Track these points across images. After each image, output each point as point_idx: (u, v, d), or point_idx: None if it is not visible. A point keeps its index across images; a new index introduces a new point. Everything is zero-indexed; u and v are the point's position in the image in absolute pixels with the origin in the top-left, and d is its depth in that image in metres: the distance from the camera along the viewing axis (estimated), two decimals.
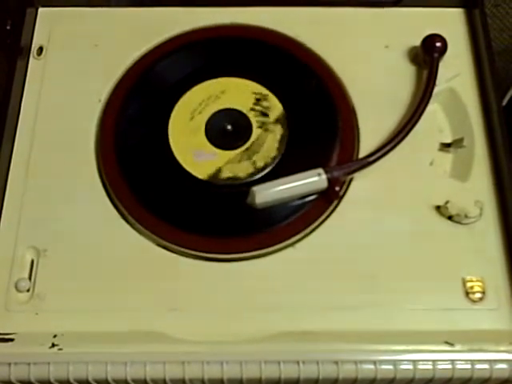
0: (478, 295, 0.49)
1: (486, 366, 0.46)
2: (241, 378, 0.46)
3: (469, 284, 0.50)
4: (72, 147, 0.56)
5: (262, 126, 0.55)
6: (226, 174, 0.53)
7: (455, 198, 0.52)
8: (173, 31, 0.61)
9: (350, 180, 0.54)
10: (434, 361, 0.46)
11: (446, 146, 0.56)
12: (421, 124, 0.55)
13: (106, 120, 0.57)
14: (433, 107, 0.57)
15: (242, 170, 0.54)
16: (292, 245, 0.52)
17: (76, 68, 0.59)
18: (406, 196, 0.53)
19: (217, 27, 0.62)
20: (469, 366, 0.46)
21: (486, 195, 0.53)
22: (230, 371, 0.46)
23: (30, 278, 0.50)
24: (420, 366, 0.46)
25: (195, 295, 0.50)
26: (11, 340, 0.48)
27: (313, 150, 0.55)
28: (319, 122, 0.56)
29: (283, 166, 0.54)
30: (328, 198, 0.52)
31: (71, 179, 0.54)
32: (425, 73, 0.58)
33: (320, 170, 0.52)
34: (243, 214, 0.52)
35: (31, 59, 0.60)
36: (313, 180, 0.51)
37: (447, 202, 0.52)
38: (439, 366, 0.46)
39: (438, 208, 0.52)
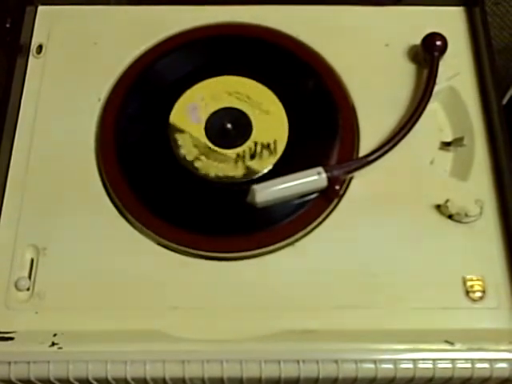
0: (478, 294, 0.49)
1: (486, 365, 0.46)
2: (241, 377, 0.46)
3: (469, 283, 0.50)
4: (72, 146, 0.55)
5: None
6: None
7: (455, 196, 0.52)
8: (172, 29, 0.61)
9: (350, 179, 0.54)
10: (434, 360, 0.46)
11: (446, 145, 0.56)
12: (421, 123, 0.55)
13: (105, 118, 0.57)
14: (433, 106, 0.57)
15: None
16: (292, 243, 0.51)
17: (75, 66, 0.59)
18: (406, 195, 0.53)
19: (217, 25, 0.61)
20: (469, 365, 0.46)
21: (487, 194, 0.53)
22: (230, 370, 0.46)
23: (29, 277, 0.50)
24: (420, 365, 0.46)
25: (195, 294, 0.50)
26: (11, 339, 0.48)
27: (313, 148, 0.55)
28: (319, 120, 0.56)
29: (283, 165, 0.54)
30: (328, 197, 0.52)
31: (71, 178, 0.54)
32: (425, 71, 0.58)
33: (320, 169, 0.52)
34: (243, 212, 0.52)
35: (31, 57, 0.60)
36: (313, 179, 0.51)
37: (447, 201, 0.52)
38: (439, 365, 0.46)
39: (438, 207, 0.52)
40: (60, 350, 0.47)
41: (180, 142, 0.55)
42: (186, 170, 0.54)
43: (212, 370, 0.46)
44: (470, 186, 0.53)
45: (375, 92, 0.57)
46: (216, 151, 0.54)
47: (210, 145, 0.55)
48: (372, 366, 0.46)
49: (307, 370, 0.46)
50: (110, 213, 0.53)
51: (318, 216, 0.52)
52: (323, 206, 0.52)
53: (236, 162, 0.54)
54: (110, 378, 0.46)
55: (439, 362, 0.46)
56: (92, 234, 0.52)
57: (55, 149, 0.55)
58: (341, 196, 0.53)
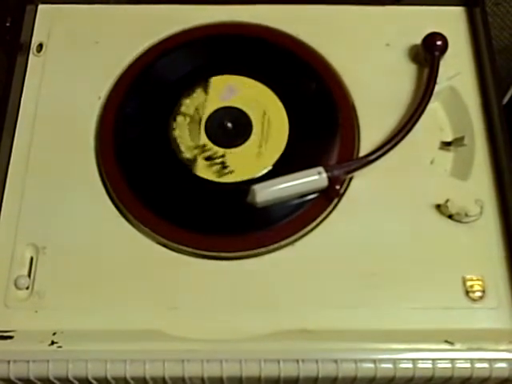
0: (478, 294, 0.49)
1: (485, 364, 0.46)
2: (240, 377, 0.46)
3: (469, 283, 0.50)
4: (72, 144, 0.55)
5: None
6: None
7: (455, 196, 0.52)
8: (173, 29, 0.61)
9: (350, 178, 0.54)
10: (433, 359, 0.46)
11: (446, 145, 0.56)
12: (421, 123, 0.55)
13: (105, 117, 0.57)
14: (433, 106, 0.57)
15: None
16: (292, 243, 0.51)
17: (76, 65, 0.59)
18: (407, 194, 0.53)
19: (217, 25, 0.61)
20: (468, 365, 0.46)
21: (487, 194, 0.53)
22: (230, 369, 0.46)
23: (29, 276, 0.50)
24: (420, 365, 0.46)
25: (195, 293, 0.50)
26: (10, 337, 0.48)
27: (313, 148, 0.55)
28: (319, 120, 0.56)
29: (283, 165, 0.54)
30: (328, 197, 0.52)
31: (71, 176, 0.54)
32: (425, 71, 0.58)
33: (320, 169, 0.52)
34: (243, 212, 0.52)
35: (31, 56, 0.60)
36: (313, 178, 0.51)
37: (447, 201, 0.52)
38: (439, 365, 0.46)
39: (438, 207, 0.52)
40: (59, 349, 0.47)
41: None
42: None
43: (211, 370, 0.46)
44: (470, 185, 0.53)
45: (375, 92, 0.57)
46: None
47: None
48: (371, 365, 0.46)
49: (307, 370, 0.46)
50: (109, 212, 0.53)
51: (318, 216, 0.52)
52: (323, 206, 0.52)
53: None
54: (109, 377, 0.46)
55: (439, 361, 0.46)
56: (91, 233, 0.52)
57: (55, 147, 0.55)
58: (341, 196, 0.53)
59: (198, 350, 0.46)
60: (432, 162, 0.55)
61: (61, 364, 0.46)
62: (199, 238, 0.51)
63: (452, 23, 0.61)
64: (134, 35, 0.60)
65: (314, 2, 0.62)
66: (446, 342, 0.47)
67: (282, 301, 0.49)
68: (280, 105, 0.56)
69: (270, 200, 0.51)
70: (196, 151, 0.54)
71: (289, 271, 0.50)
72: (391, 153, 0.53)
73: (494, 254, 0.51)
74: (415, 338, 0.47)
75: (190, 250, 0.51)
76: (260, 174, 0.53)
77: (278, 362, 0.46)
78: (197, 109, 0.56)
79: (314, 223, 0.52)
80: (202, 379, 0.46)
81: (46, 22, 0.61)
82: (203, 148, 0.55)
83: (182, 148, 0.54)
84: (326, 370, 0.46)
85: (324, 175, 0.51)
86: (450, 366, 0.46)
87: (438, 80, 0.56)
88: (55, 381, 0.46)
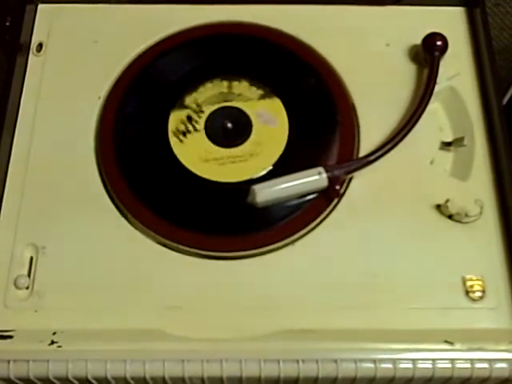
0: (478, 294, 0.49)
1: (485, 365, 0.46)
2: (240, 377, 0.46)
3: (469, 283, 0.50)
4: (71, 144, 0.55)
5: None
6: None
7: (455, 196, 0.52)
8: (173, 28, 0.61)
9: (350, 179, 0.54)
10: (433, 360, 0.46)
11: (446, 145, 0.56)
12: (421, 123, 0.55)
13: (105, 117, 0.56)
14: (433, 106, 0.57)
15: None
16: (292, 243, 0.51)
17: (75, 64, 0.59)
18: (406, 195, 0.53)
19: (217, 25, 0.61)
20: (468, 365, 0.46)
21: (487, 194, 0.53)
22: (230, 369, 0.46)
23: (29, 275, 0.50)
24: (419, 365, 0.46)
25: (195, 293, 0.50)
26: (10, 337, 0.48)
27: (313, 148, 0.55)
28: (319, 120, 0.56)
29: (283, 165, 0.54)
30: (328, 197, 0.52)
31: (70, 177, 0.54)
32: (425, 71, 0.58)
33: (320, 169, 0.52)
34: (243, 212, 0.52)
35: (31, 55, 0.60)
36: (313, 179, 0.51)
37: (447, 201, 0.52)
38: (439, 365, 0.46)
39: (438, 207, 0.52)
40: (59, 349, 0.47)
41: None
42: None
43: (211, 370, 0.46)
44: (470, 185, 0.53)
45: (376, 92, 0.57)
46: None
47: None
48: (371, 365, 0.46)
49: (307, 370, 0.46)
50: (109, 211, 0.53)
51: (318, 216, 0.52)
52: (323, 206, 0.52)
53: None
54: (109, 376, 0.46)
55: (439, 361, 0.46)
56: (91, 233, 0.52)
57: (55, 147, 0.55)
58: (341, 196, 0.53)
59: (198, 349, 0.46)
60: (432, 163, 0.55)
61: (61, 364, 0.46)
62: (199, 237, 0.51)
63: (452, 23, 0.61)
64: (134, 35, 0.60)
65: (313, 1, 0.62)
66: (446, 342, 0.47)
67: (281, 301, 0.49)
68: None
69: (270, 200, 0.51)
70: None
71: (289, 271, 0.50)
72: (391, 153, 0.53)
73: (494, 254, 0.51)
74: (415, 338, 0.47)
75: (190, 249, 0.51)
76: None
77: (278, 361, 0.46)
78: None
79: (314, 223, 0.52)
80: (202, 379, 0.46)
81: (45, 22, 0.61)
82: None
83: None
84: (326, 369, 0.46)
85: (324, 175, 0.51)
86: (449, 366, 0.46)
87: (438, 80, 0.56)
88: (55, 380, 0.46)
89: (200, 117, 0.56)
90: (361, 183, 0.54)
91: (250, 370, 0.46)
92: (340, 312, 0.49)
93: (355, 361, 0.46)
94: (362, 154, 0.55)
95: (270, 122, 0.52)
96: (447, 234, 0.52)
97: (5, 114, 0.55)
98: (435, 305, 0.49)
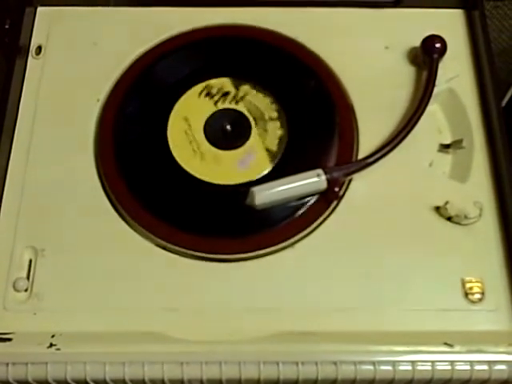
0: (478, 296, 0.49)
1: (485, 367, 0.46)
2: (239, 379, 0.46)
3: (468, 285, 0.50)
4: (71, 147, 0.55)
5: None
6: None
7: (455, 198, 0.52)
8: (172, 31, 0.61)
9: (350, 181, 0.54)
10: (432, 362, 0.46)
11: (445, 147, 0.56)
12: (420, 125, 0.55)
13: (104, 120, 0.57)
14: (432, 108, 0.57)
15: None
16: (291, 245, 0.51)
17: (75, 67, 0.59)
18: (406, 197, 0.53)
19: (216, 27, 0.61)
20: (468, 367, 0.46)
21: (486, 196, 0.53)
22: (229, 371, 0.46)
23: (28, 278, 0.50)
24: (419, 367, 0.46)
25: (194, 295, 0.50)
26: (9, 340, 0.48)
27: (312, 150, 0.55)
28: (318, 122, 0.56)
29: (282, 167, 0.54)
30: (327, 199, 0.52)
31: (70, 179, 0.54)
32: (424, 73, 0.58)
33: (319, 171, 0.52)
34: (243, 214, 0.52)
35: (30, 58, 0.60)
36: (312, 181, 0.51)
37: (447, 203, 0.52)
38: (438, 367, 0.46)
39: (437, 209, 0.52)
40: (58, 352, 0.47)
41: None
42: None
43: (210, 372, 0.46)
44: (469, 188, 0.53)
45: (375, 94, 0.57)
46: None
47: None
48: (371, 367, 0.46)
49: (306, 372, 0.46)
50: (108, 214, 0.53)
51: (318, 218, 0.52)
52: (322, 208, 0.52)
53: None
54: (108, 379, 0.46)
55: (438, 363, 0.46)
56: (90, 236, 0.52)
57: (54, 150, 0.55)
58: (340, 198, 0.53)
59: (197, 351, 0.46)
60: (431, 165, 0.55)
61: (59, 366, 0.46)
62: (198, 240, 0.51)
63: (451, 26, 0.61)
64: (133, 37, 0.60)
65: (313, 4, 0.62)
66: (446, 344, 0.47)
67: (281, 303, 0.49)
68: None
69: (269, 202, 0.51)
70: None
71: (288, 273, 0.50)
72: (390, 155, 0.53)
73: (493, 256, 0.51)
74: (414, 339, 0.47)
75: (189, 252, 0.51)
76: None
77: (278, 364, 0.46)
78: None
79: (314, 225, 0.52)
80: (201, 381, 0.46)
81: (44, 25, 0.61)
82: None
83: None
84: (326, 372, 0.46)
85: (323, 177, 0.51)
86: (449, 368, 0.46)
87: (437, 82, 0.56)
88: (54, 383, 0.46)
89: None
90: (360, 185, 0.54)
91: (250, 373, 0.46)
92: (339, 314, 0.49)
93: (355, 363, 0.46)
94: (361, 156, 0.55)
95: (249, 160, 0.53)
96: (446, 236, 0.52)
97: (4, 116, 0.55)
98: (434, 307, 0.49)
